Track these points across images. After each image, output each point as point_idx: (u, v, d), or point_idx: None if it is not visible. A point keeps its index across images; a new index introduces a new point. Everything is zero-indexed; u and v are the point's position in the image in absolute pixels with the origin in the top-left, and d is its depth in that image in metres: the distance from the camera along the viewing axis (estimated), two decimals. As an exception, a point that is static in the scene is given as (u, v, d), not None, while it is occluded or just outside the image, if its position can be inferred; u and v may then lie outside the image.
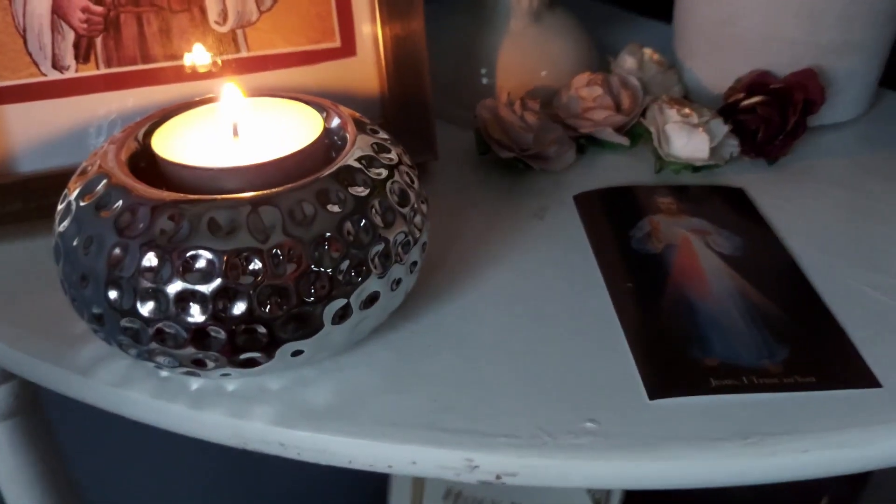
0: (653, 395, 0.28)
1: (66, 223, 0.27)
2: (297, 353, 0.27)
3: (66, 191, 0.28)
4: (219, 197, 0.26)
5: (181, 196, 0.26)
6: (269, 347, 0.26)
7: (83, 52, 0.36)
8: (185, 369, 0.27)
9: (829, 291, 0.33)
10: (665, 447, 0.27)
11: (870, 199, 0.39)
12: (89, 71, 0.36)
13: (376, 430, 0.27)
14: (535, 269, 0.35)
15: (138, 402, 0.29)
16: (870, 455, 0.27)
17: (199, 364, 0.26)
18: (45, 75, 0.36)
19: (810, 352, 0.30)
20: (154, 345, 0.26)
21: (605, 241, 0.36)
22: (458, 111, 0.45)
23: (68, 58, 0.36)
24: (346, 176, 0.27)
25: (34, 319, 0.32)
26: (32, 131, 0.36)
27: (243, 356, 0.26)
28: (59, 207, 0.28)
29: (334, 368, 0.30)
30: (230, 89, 0.29)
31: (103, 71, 0.36)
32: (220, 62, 0.37)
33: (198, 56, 0.37)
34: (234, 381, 0.29)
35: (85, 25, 0.36)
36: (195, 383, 0.29)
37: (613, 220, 0.37)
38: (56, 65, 0.36)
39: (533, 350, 0.30)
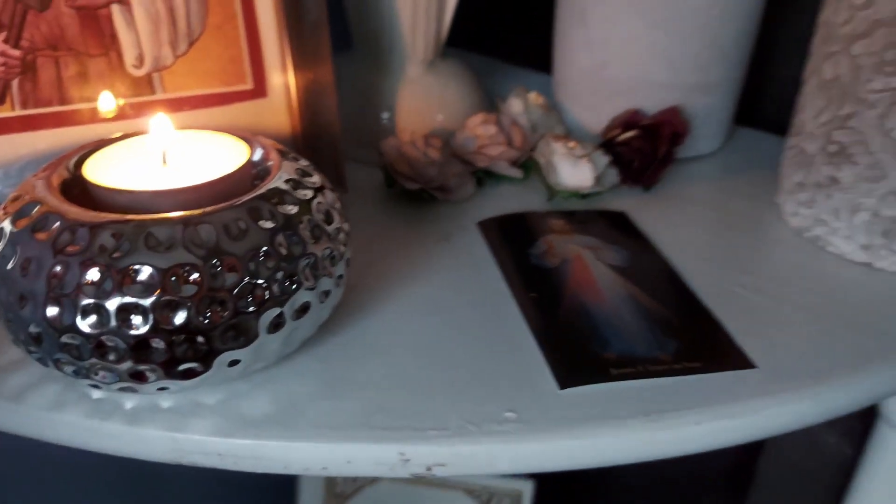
0: (563, 384, 0.31)
1: (4, 244, 0.27)
2: (233, 363, 0.28)
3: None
4: (156, 216, 0.27)
5: (119, 216, 0.27)
6: (208, 357, 0.27)
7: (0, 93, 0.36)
8: (122, 384, 0.27)
9: (706, 292, 0.37)
10: (578, 428, 0.29)
11: (731, 216, 0.44)
12: (5, 112, 0.36)
13: (313, 434, 0.29)
14: (446, 284, 0.37)
15: (73, 424, 0.29)
16: (753, 424, 0.31)
17: (139, 378, 0.27)
18: (-43, 117, 0.36)
19: (695, 342, 0.34)
20: (94, 360, 0.26)
21: (508, 259, 0.39)
22: (362, 152, 0.47)
23: (-17, 100, 0.36)
24: (276, 196, 0.29)
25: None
26: (-56, 172, 0.36)
27: (182, 367, 0.27)
28: (-9, 233, 0.28)
29: (267, 380, 0.31)
30: (160, 119, 0.31)
31: (18, 112, 0.37)
32: (129, 105, 0.39)
33: (106, 103, 0.38)
34: (169, 398, 0.29)
35: (2, 69, 0.36)
36: (129, 402, 0.29)
37: (513, 241, 0.41)
38: (-31, 107, 0.36)
39: (452, 354, 0.33)
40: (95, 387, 0.28)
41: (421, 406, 0.30)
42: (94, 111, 0.38)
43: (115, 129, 0.38)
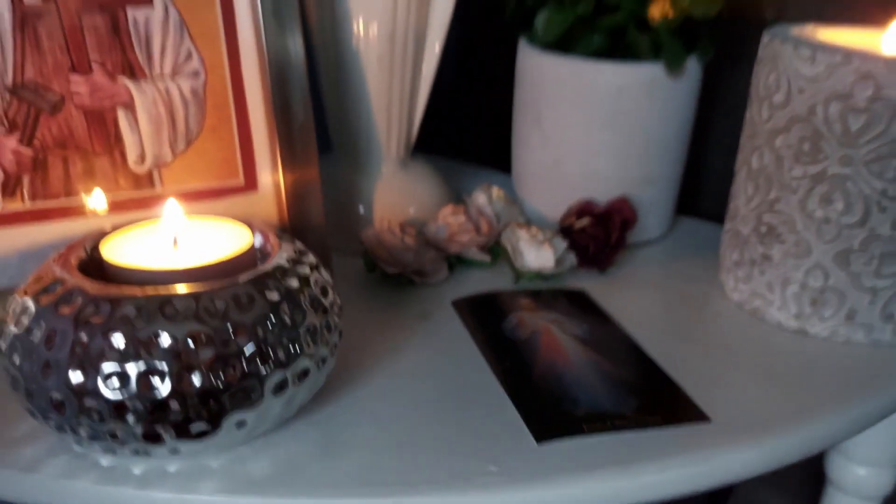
0: (539, 439, 0.34)
1: (24, 322, 0.29)
2: (241, 424, 0.30)
3: (13, 299, 0.31)
4: (173, 290, 0.30)
5: (139, 290, 0.29)
6: (218, 418, 0.29)
7: (10, 187, 0.39)
8: (137, 446, 0.29)
9: (661, 359, 0.41)
10: (555, 478, 0.32)
11: (680, 293, 0.49)
12: (16, 205, 0.39)
13: (313, 492, 0.31)
14: (428, 356, 0.40)
15: (86, 490, 0.30)
16: (710, 471, 0.34)
17: (154, 439, 0.29)
18: (-29, 210, 0.38)
19: (654, 400, 0.37)
20: (114, 423, 0.28)
21: (482, 333, 0.42)
22: (343, 242, 0.51)
23: (-5, 194, 0.39)
24: (279, 272, 0.32)
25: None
26: (-45, 261, 0.38)
27: (195, 427, 0.29)
28: (13, 307, 0.30)
29: (268, 445, 0.33)
30: (172, 205, 0.34)
31: (28, 206, 0.39)
32: (130, 199, 0.42)
33: (99, 200, 0.41)
34: (177, 462, 0.31)
35: (14, 166, 0.39)
36: (138, 468, 0.31)
37: (486, 317, 0.44)
38: (-17, 200, 0.38)
39: (437, 417, 0.35)
40: (109, 452, 0.30)
41: (412, 464, 0.32)
42: (100, 196, 0.41)
43: (118, 221, 0.40)
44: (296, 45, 0.44)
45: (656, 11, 0.48)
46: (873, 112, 0.38)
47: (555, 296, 0.47)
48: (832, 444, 0.37)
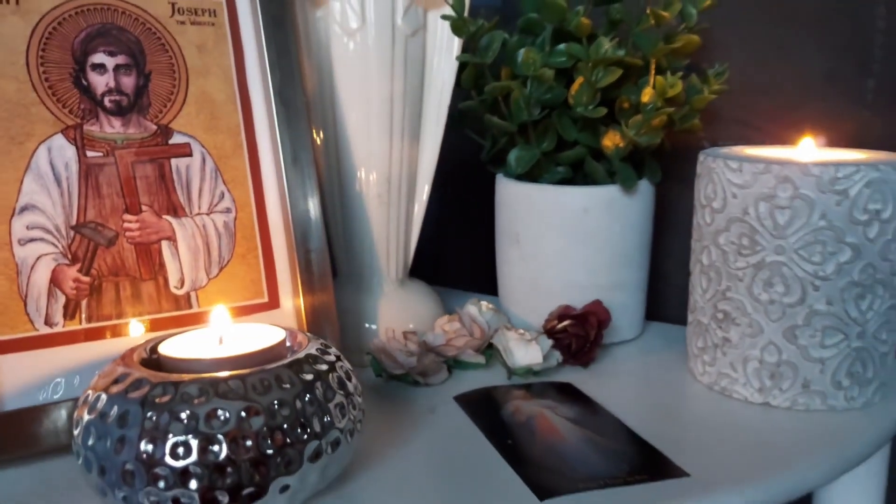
0: (542, 497, 0.37)
1: (98, 408, 0.34)
2: (284, 489, 0.34)
3: (89, 391, 0.35)
4: (226, 373, 0.34)
5: (197, 375, 0.34)
6: (265, 482, 0.33)
7: (70, 311, 0.44)
8: (195, 512, 0.33)
9: (644, 432, 0.45)
10: (559, 526, 0.35)
11: (654, 381, 0.53)
12: (73, 325, 0.44)
13: (347, 548, 0.34)
14: (437, 441, 0.44)
15: (146, 556, 0.33)
16: (693, 516, 0.37)
17: (210, 502, 0.33)
18: (37, 330, 0.43)
19: (641, 464, 0.41)
20: (177, 490, 0.32)
21: (484, 420, 0.46)
22: (351, 355, 0.55)
23: (58, 316, 0.44)
24: (311, 358, 0.37)
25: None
26: (20, 376, 0.42)
27: (246, 491, 0.33)
28: (87, 400, 0.35)
29: (304, 513, 0.36)
30: (220, 310, 0.39)
31: (84, 326, 0.44)
32: (170, 318, 0.47)
33: (138, 328, 0.46)
34: (226, 530, 0.35)
35: (74, 292, 0.44)
36: (193, 537, 0.34)
37: (486, 407, 0.48)
38: (47, 322, 0.43)
39: (451, 489, 0.39)
40: (169, 521, 0.34)
41: (433, 521, 0.36)
42: (145, 323, 0.46)
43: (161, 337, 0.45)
44: (311, 189, 0.51)
45: (609, 142, 0.56)
46: (795, 208, 0.45)
47: (545, 387, 0.52)
48: (797, 494, 0.41)
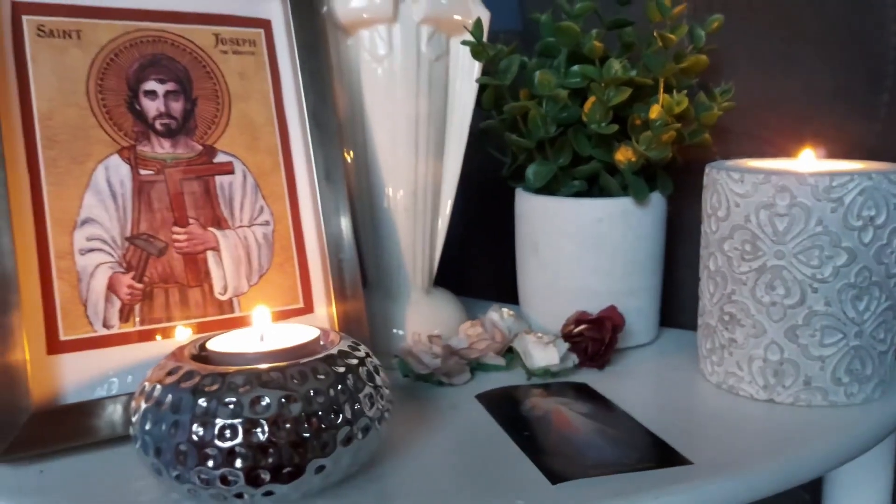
0: (554, 481, 0.41)
1: (155, 395, 0.38)
2: (319, 469, 0.37)
3: (145, 382, 0.39)
4: (267, 365, 0.38)
5: (242, 367, 0.38)
6: (302, 463, 0.37)
7: (125, 314, 0.48)
8: (240, 488, 0.36)
9: (653, 426, 0.48)
10: (571, 506, 0.39)
11: (666, 382, 0.56)
12: (128, 327, 0.48)
13: (376, 524, 0.37)
14: (459, 433, 0.47)
15: (197, 529, 0.37)
16: (694, 499, 0.40)
17: (255, 481, 0.36)
18: (96, 332, 0.47)
19: (648, 453, 0.44)
20: (224, 468, 0.36)
21: (503, 415, 0.50)
22: (381, 359, 0.59)
23: (114, 319, 0.48)
24: (342, 354, 0.40)
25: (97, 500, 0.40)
26: (80, 373, 0.46)
27: (286, 470, 0.37)
28: (143, 391, 0.39)
29: (337, 497, 0.40)
30: (261, 310, 0.43)
31: (137, 328, 0.49)
32: (214, 321, 0.51)
33: (185, 332, 0.50)
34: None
35: (129, 297, 0.48)
36: (238, 513, 0.38)
37: (506, 404, 0.51)
38: (105, 324, 0.48)
39: (471, 474, 0.42)
40: (217, 497, 0.37)
41: (456, 501, 0.39)
42: (192, 327, 0.50)
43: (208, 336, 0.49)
44: (342, 203, 0.55)
45: (621, 157, 0.59)
46: (793, 215, 0.48)
47: (562, 387, 0.55)
48: (794, 483, 0.43)
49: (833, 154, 0.81)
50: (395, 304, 0.62)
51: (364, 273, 0.64)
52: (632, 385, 0.56)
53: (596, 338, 0.58)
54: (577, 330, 0.59)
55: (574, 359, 0.57)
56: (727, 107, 0.63)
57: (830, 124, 0.80)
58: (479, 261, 0.83)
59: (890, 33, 0.94)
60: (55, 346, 0.46)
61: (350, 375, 0.39)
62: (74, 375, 0.46)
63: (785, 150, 0.72)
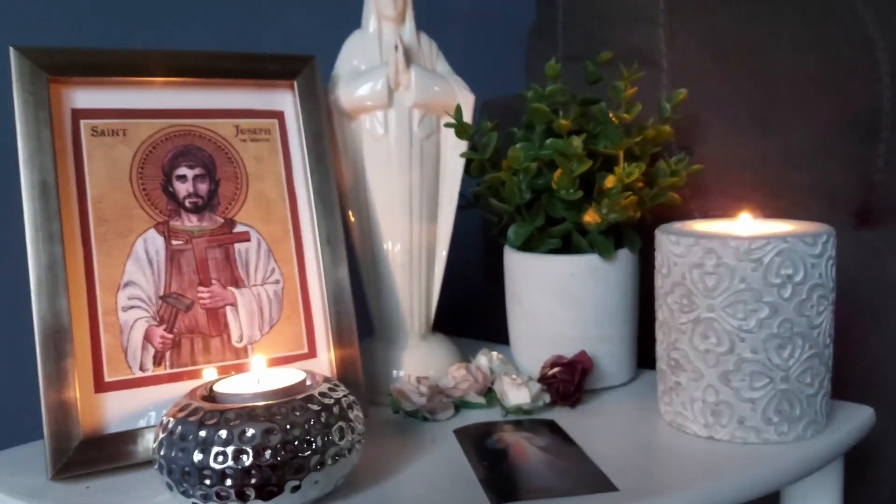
0: (496, 500, 0.48)
1: (170, 427, 0.47)
2: (295, 489, 0.46)
3: (164, 416, 0.49)
4: (254, 403, 0.47)
5: (236, 405, 0.47)
6: (281, 483, 0.46)
7: (158, 359, 0.58)
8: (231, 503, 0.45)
9: (599, 457, 0.55)
10: (502, 523, 0.46)
11: (627, 419, 0.63)
12: (160, 371, 0.58)
13: (341, 535, 0.46)
14: (432, 462, 0.55)
15: (199, 535, 0.46)
16: (614, 521, 0.47)
17: (243, 497, 0.45)
18: (133, 374, 0.58)
19: (582, 480, 0.51)
20: (218, 486, 0.45)
21: (472, 448, 0.57)
22: (382, 398, 0.68)
23: (149, 363, 0.58)
24: (321, 394, 0.49)
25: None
26: (121, 407, 0.57)
27: (267, 488, 0.45)
28: (162, 423, 0.48)
29: (314, 510, 0.48)
30: (258, 359, 0.52)
31: (167, 371, 0.59)
32: (232, 366, 0.60)
33: (211, 373, 0.60)
34: (256, 519, 0.47)
35: (161, 345, 0.59)
36: (232, 524, 0.47)
37: (476, 437, 0.59)
38: (141, 368, 0.58)
39: (430, 498, 0.50)
40: (214, 509, 0.46)
41: (407, 518, 0.47)
42: (213, 370, 0.60)
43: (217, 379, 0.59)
44: (341, 263, 0.64)
45: (589, 218, 0.67)
46: (719, 274, 0.55)
47: (532, 423, 0.62)
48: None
49: (814, 207, 0.87)
50: (395, 349, 0.71)
51: (370, 322, 0.73)
52: (596, 422, 0.63)
53: (567, 379, 0.65)
54: (550, 372, 0.66)
55: (545, 398, 0.65)
56: (695, 170, 0.70)
57: (811, 180, 0.86)
58: (484, 306, 0.91)
59: (885, 86, 0.99)
60: (101, 385, 0.56)
61: (324, 413, 0.48)
62: (116, 410, 0.56)
63: (764, 207, 0.77)
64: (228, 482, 0.45)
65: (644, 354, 0.72)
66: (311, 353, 0.63)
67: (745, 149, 0.81)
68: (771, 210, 0.78)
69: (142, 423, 0.57)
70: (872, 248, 0.86)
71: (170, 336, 0.59)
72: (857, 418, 0.60)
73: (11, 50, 0.56)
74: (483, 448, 0.57)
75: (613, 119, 0.64)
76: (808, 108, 0.86)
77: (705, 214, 0.79)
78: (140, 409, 0.57)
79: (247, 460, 0.45)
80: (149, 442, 0.56)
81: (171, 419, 0.48)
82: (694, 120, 0.80)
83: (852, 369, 0.78)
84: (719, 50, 0.83)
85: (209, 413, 0.47)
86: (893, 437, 0.77)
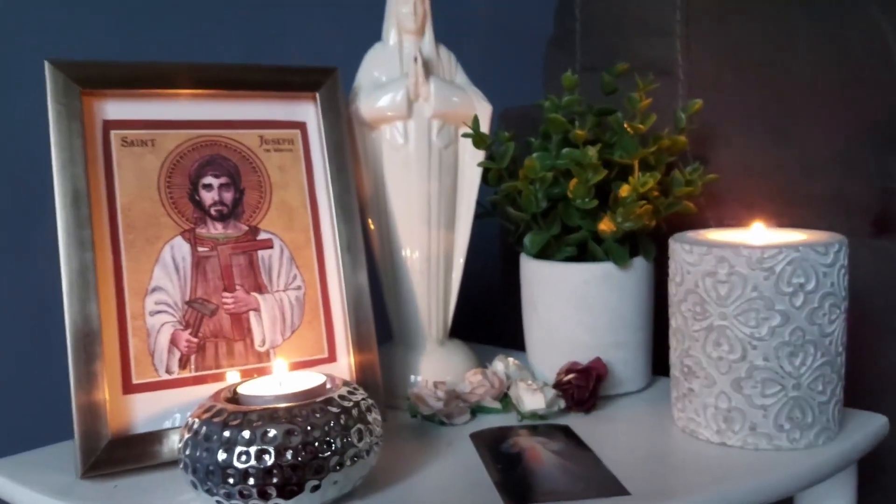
0: (509, 502, 0.49)
1: (195, 427, 0.49)
2: (315, 488, 0.48)
3: (189, 417, 0.51)
4: (276, 405, 0.49)
5: (258, 406, 0.49)
6: (301, 482, 0.47)
7: (183, 362, 0.60)
8: (254, 502, 0.47)
9: (613, 461, 0.56)
10: (515, 525, 0.47)
11: (641, 425, 0.64)
12: (185, 373, 0.60)
13: (358, 534, 0.47)
14: (449, 465, 0.56)
15: (222, 532, 0.48)
16: (625, 524, 0.48)
17: (265, 496, 0.47)
18: (160, 377, 0.59)
19: (595, 484, 0.52)
20: (241, 485, 0.47)
21: (488, 452, 0.58)
22: (400, 402, 0.69)
23: (174, 366, 0.60)
24: (340, 397, 0.51)
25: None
26: (148, 409, 0.58)
27: (288, 487, 0.47)
28: (188, 423, 0.50)
29: (333, 509, 0.50)
30: (280, 362, 0.54)
31: (192, 374, 0.60)
32: (255, 370, 0.62)
33: (234, 376, 0.61)
34: (277, 517, 0.48)
35: (186, 349, 0.61)
36: (254, 522, 0.48)
37: (492, 442, 0.60)
38: (167, 371, 0.60)
39: (446, 499, 0.51)
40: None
41: (423, 518, 0.48)
42: (236, 373, 0.61)
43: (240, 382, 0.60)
44: (360, 269, 0.65)
45: (604, 227, 0.68)
46: (732, 282, 0.56)
47: (546, 428, 0.63)
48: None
49: (830, 217, 0.87)
50: (413, 354, 0.72)
51: (389, 328, 0.74)
52: (610, 428, 0.63)
53: (582, 385, 0.66)
54: (566, 378, 0.67)
55: (560, 403, 0.66)
56: (710, 179, 0.70)
57: (827, 190, 0.86)
58: (501, 313, 0.92)
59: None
60: (129, 387, 0.58)
61: (343, 415, 0.49)
62: (143, 411, 0.58)
63: (778, 216, 0.78)
64: (251, 481, 0.47)
65: (659, 361, 0.73)
66: (332, 358, 0.65)
67: (761, 158, 0.82)
68: (787, 219, 0.79)
69: (167, 425, 0.58)
70: (890, 257, 0.86)
71: (195, 340, 0.61)
72: (869, 426, 0.60)
73: (46, 64, 0.58)
74: (498, 452, 0.58)
75: (629, 129, 0.65)
76: (823, 118, 0.86)
77: (721, 223, 0.80)
78: (166, 410, 0.59)
79: (269, 460, 0.47)
80: (174, 442, 0.58)
81: (197, 420, 0.50)
82: (710, 130, 0.81)
83: (867, 377, 0.78)
84: (735, 61, 0.83)
85: (233, 414, 0.48)
86: (910, 447, 0.77)
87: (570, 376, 0.67)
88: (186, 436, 0.49)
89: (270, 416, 0.48)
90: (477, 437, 0.62)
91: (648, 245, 0.70)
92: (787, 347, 0.55)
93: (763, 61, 0.85)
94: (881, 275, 0.84)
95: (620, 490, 0.51)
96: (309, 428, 0.48)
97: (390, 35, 0.71)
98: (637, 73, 0.70)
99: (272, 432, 0.47)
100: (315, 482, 0.48)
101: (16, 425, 0.77)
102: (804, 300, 0.55)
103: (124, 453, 0.56)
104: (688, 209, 0.71)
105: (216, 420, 0.49)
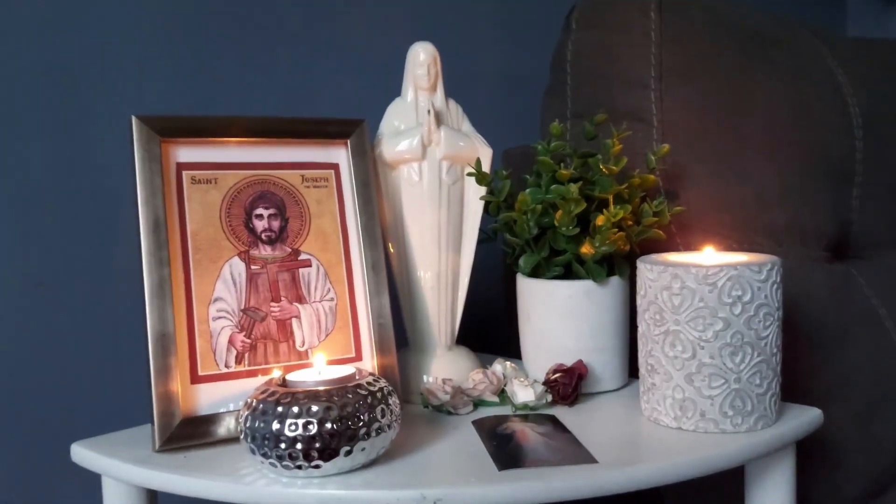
0: (500, 468, 0.61)
1: (254, 404, 0.61)
2: (347, 453, 0.60)
3: (248, 398, 0.63)
4: (317, 388, 0.61)
5: (304, 389, 0.61)
6: (337, 448, 0.59)
7: (238, 359, 0.73)
8: (300, 463, 0.59)
9: (587, 440, 0.67)
10: (508, 482, 0.59)
11: (614, 415, 0.75)
12: (240, 368, 0.73)
13: (386, 488, 0.59)
14: (452, 444, 0.68)
15: (276, 492, 0.60)
16: (591, 482, 0.59)
17: (308, 457, 0.59)
18: (220, 370, 0.72)
19: (570, 455, 0.63)
20: (290, 449, 0.59)
21: (486, 433, 0.70)
22: (415, 397, 0.81)
23: (231, 362, 0.72)
24: (367, 384, 0.63)
25: (218, 472, 0.64)
26: (211, 396, 0.71)
27: (327, 451, 0.59)
28: (248, 402, 0.62)
29: (360, 475, 0.62)
30: (319, 356, 0.66)
31: (246, 368, 0.73)
32: (297, 367, 0.74)
33: (277, 373, 0.74)
34: (317, 478, 0.60)
35: (241, 348, 0.73)
36: (300, 481, 0.60)
37: (490, 427, 0.72)
38: (226, 365, 0.72)
39: (453, 465, 0.63)
40: (287, 469, 0.60)
41: (443, 477, 0.60)
42: (281, 368, 0.74)
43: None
44: (383, 285, 0.78)
45: (585, 250, 0.80)
46: (683, 295, 0.68)
47: (535, 417, 0.75)
48: (665, 481, 0.62)
49: (786, 244, 0.99)
50: (425, 357, 0.84)
51: (405, 335, 0.87)
52: (589, 417, 0.75)
53: (566, 383, 0.78)
54: (553, 377, 0.79)
55: (548, 398, 0.77)
56: (677, 211, 0.83)
57: (783, 220, 0.98)
58: (501, 326, 1.05)
59: (857, 138, 1.12)
60: (195, 378, 0.70)
61: (369, 396, 0.62)
62: (206, 398, 0.71)
63: (740, 242, 0.90)
64: (298, 446, 0.59)
65: (635, 366, 0.85)
66: (358, 358, 0.77)
67: (724, 193, 0.94)
68: (747, 245, 0.91)
69: (222, 410, 0.71)
70: (842, 278, 0.97)
71: (248, 341, 0.73)
72: (804, 417, 0.72)
73: (133, 119, 0.72)
74: (494, 433, 0.70)
75: (604, 170, 0.78)
76: (780, 158, 0.98)
77: (689, 248, 0.92)
78: (224, 398, 0.71)
79: (312, 429, 0.59)
80: (230, 424, 0.70)
81: (255, 399, 0.62)
82: (681, 169, 0.93)
83: (821, 382, 0.89)
84: (702, 110, 0.96)
85: (284, 395, 0.61)
86: (857, 444, 0.88)
87: (557, 375, 0.79)
88: (246, 412, 0.62)
89: (313, 396, 0.60)
90: (477, 424, 0.74)
91: (623, 266, 0.82)
92: (728, 348, 0.67)
93: (727, 110, 0.97)
94: (834, 293, 0.96)
95: (590, 459, 0.63)
96: (343, 405, 0.60)
97: (408, 91, 0.84)
98: (613, 123, 0.83)
99: (315, 408, 0.60)
100: (348, 448, 0.60)
101: (95, 413, 0.90)
102: (742, 309, 0.67)
103: (192, 431, 0.68)
104: (658, 236, 0.83)
105: (270, 399, 0.61)
